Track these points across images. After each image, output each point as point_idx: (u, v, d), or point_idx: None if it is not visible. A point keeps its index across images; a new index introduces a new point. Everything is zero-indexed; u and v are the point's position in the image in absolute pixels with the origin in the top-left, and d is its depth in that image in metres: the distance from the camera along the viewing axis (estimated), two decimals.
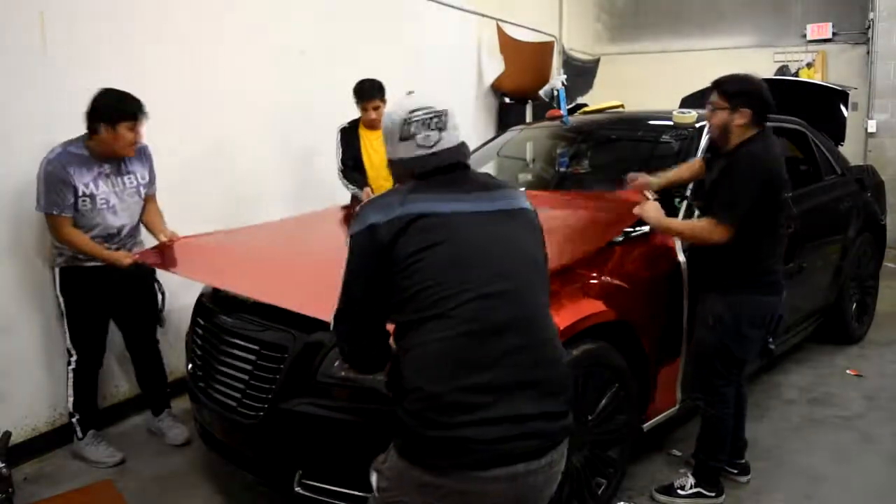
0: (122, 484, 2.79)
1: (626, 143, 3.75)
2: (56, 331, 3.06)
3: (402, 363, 1.45)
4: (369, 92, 3.78)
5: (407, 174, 1.53)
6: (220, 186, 3.81)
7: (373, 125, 3.83)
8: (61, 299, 2.88)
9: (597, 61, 8.13)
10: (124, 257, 2.80)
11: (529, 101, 6.69)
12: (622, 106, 4.23)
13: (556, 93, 3.95)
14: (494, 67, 6.24)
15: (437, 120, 1.52)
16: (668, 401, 2.79)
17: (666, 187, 2.80)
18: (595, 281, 2.46)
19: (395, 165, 1.57)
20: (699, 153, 2.96)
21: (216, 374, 2.51)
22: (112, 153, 2.77)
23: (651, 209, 2.53)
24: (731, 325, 2.46)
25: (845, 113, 4.45)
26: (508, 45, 6.29)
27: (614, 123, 3.90)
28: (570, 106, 3.86)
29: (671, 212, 2.78)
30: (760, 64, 7.31)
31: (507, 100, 6.51)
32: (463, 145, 1.59)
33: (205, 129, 3.69)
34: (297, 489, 2.21)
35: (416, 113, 1.51)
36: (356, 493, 2.10)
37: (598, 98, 6.76)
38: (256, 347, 2.36)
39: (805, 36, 7.68)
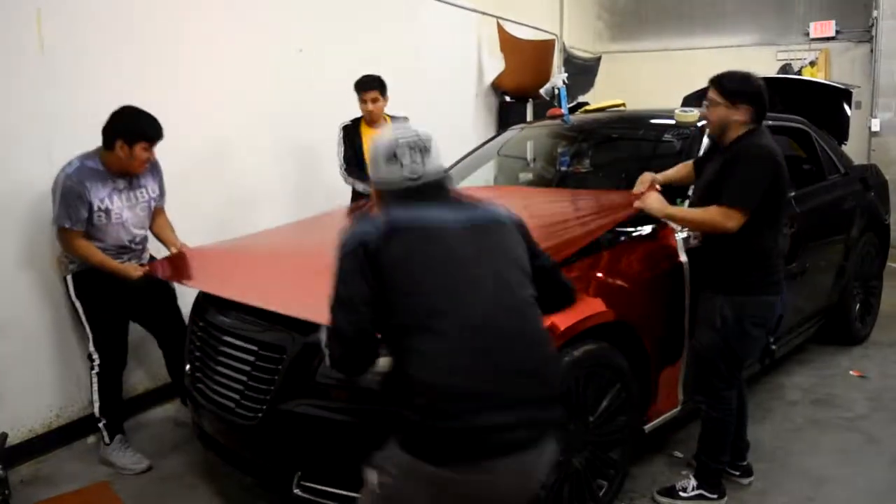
0: (119, 485, 2.78)
1: (628, 142, 3.73)
2: (56, 334, 3.06)
3: (405, 363, 1.51)
4: (368, 83, 3.79)
5: (390, 196, 1.63)
6: (219, 186, 3.79)
7: (372, 119, 3.82)
8: (78, 304, 2.87)
9: (598, 59, 8.11)
10: (133, 270, 2.81)
11: (530, 99, 6.67)
12: (623, 105, 4.21)
13: (556, 91, 3.92)
14: (495, 66, 6.22)
15: (422, 145, 1.63)
16: (670, 402, 2.77)
17: (664, 184, 2.79)
18: (596, 281, 2.44)
19: (378, 186, 1.67)
20: (701, 152, 2.93)
21: (214, 374, 2.49)
22: (125, 169, 2.80)
23: (654, 199, 2.53)
24: (735, 325, 2.44)
25: (848, 112, 4.43)
26: (509, 44, 6.27)
27: (615, 122, 3.88)
28: (570, 105, 3.84)
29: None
30: (763, 62, 7.29)
31: (507, 98, 6.49)
32: (446, 172, 1.70)
33: (203, 128, 3.67)
34: (296, 491, 2.20)
35: (402, 138, 1.63)
36: (355, 494, 2.08)
37: (599, 97, 6.74)
38: (255, 348, 2.34)
39: (808, 34, 7.64)
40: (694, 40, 8.21)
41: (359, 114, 3.89)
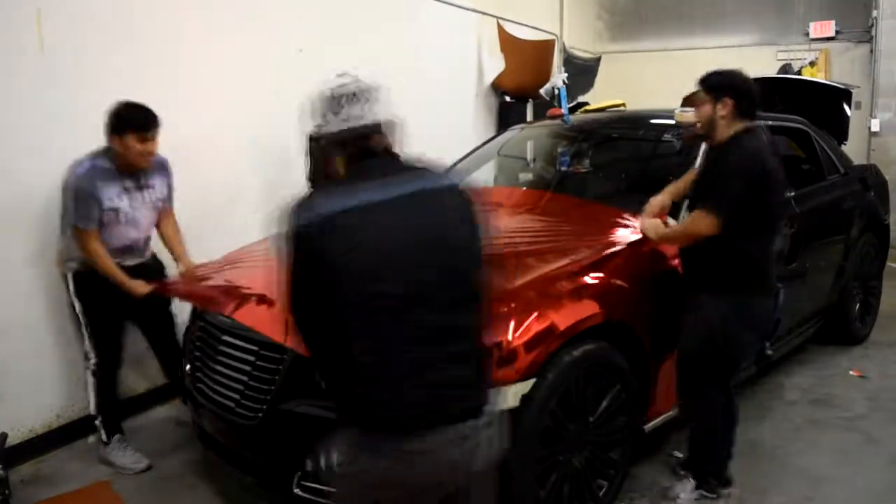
0: (119, 485, 2.79)
1: (628, 142, 3.73)
2: (56, 334, 3.06)
3: (351, 363, 1.45)
4: None
5: (335, 152, 1.52)
6: (219, 186, 3.79)
7: None
8: (77, 303, 2.87)
9: (598, 59, 8.11)
10: (140, 287, 2.80)
11: (530, 99, 6.67)
12: (623, 105, 4.21)
13: (556, 91, 3.94)
14: (495, 66, 6.22)
15: (367, 94, 1.51)
16: (670, 402, 2.76)
17: (676, 199, 2.76)
18: (594, 281, 2.44)
19: (319, 142, 1.55)
20: (700, 152, 2.93)
21: (214, 374, 2.49)
22: (128, 165, 2.79)
23: (648, 226, 2.59)
24: (721, 327, 2.40)
25: (848, 112, 4.43)
26: (509, 44, 6.26)
27: (616, 122, 3.89)
28: (570, 105, 3.85)
29: (674, 212, 2.76)
30: (763, 62, 7.28)
31: (507, 98, 6.48)
32: (391, 123, 1.55)
33: (203, 128, 3.67)
34: (296, 491, 2.20)
35: (344, 87, 1.52)
36: None
37: (599, 97, 6.74)
38: (255, 348, 2.35)
39: (808, 34, 7.63)
40: (694, 40, 8.21)
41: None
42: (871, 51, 7.12)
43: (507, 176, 4.06)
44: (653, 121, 3.67)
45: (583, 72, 7.68)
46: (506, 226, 2.96)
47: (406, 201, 1.46)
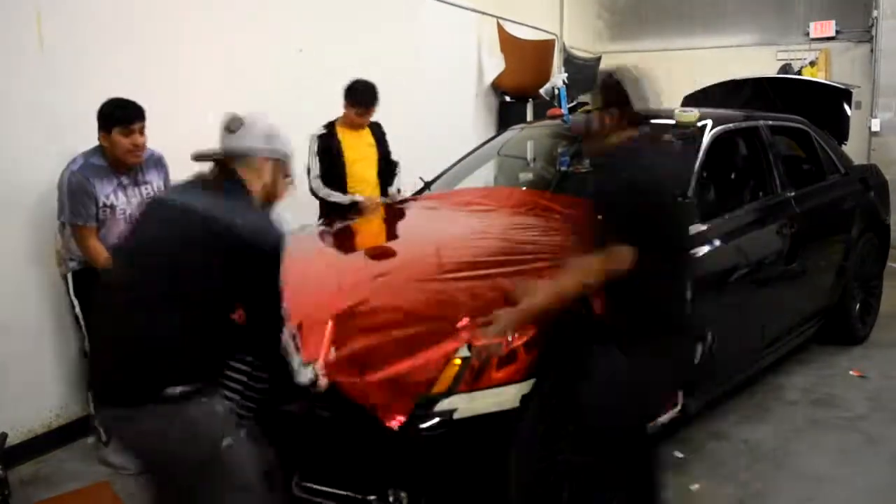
0: (119, 485, 2.78)
1: None
2: (55, 334, 3.06)
3: None
4: (372, 97, 3.68)
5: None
6: None
7: (357, 124, 3.74)
8: (76, 302, 2.87)
9: (598, 59, 8.11)
10: None
11: (530, 99, 6.67)
12: None
13: (556, 91, 3.92)
14: (495, 66, 6.22)
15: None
16: (670, 402, 2.75)
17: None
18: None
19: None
20: (700, 154, 2.89)
21: None
22: (120, 161, 2.78)
23: (509, 319, 1.88)
24: (622, 381, 1.99)
25: (848, 112, 4.43)
26: (509, 43, 6.26)
27: None
28: (570, 104, 3.84)
29: None
30: (763, 62, 7.27)
31: (507, 98, 6.49)
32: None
33: (203, 128, 3.65)
34: (295, 491, 2.19)
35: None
36: (354, 494, 2.09)
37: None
38: None
39: (808, 34, 7.63)
40: (694, 40, 8.21)
41: (331, 118, 3.74)
42: (872, 51, 7.12)
43: (507, 176, 4.06)
44: (653, 121, 3.66)
45: (583, 71, 7.68)
46: (506, 226, 2.96)
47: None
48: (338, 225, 3.37)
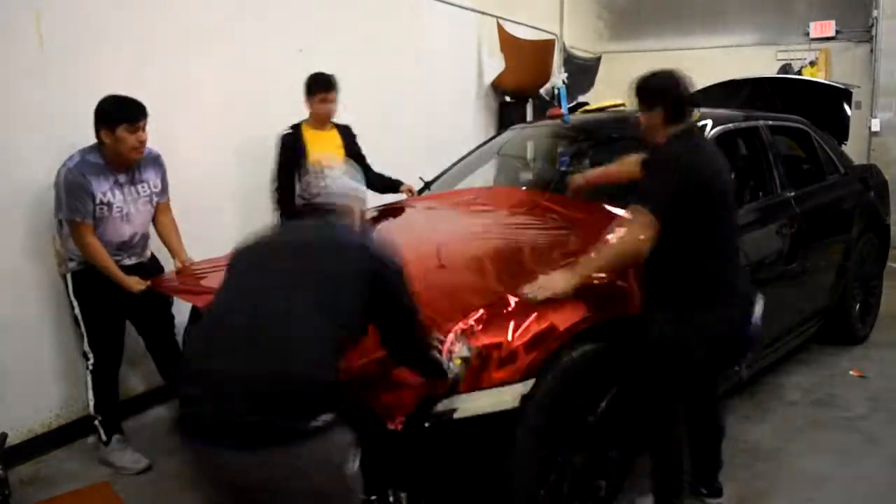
0: (119, 485, 2.78)
1: (628, 142, 3.71)
2: (55, 334, 3.06)
3: None
4: (331, 83, 3.61)
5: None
6: (219, 186, 3.79)
7: (324, 120, 3.66)
8: (76, 303, 2.87)
9: (598, 59, 8.10)
10: (136, 284, 2.80)
11: (530, 99, 6.67)
12: (624, 104, 4.20)
13: (556, 91, 3.94)
14: (495, 65, 6.22)
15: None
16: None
17: (596, 184, 2.70)
18: (595, 281, 2.43)
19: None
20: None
21: None
22: (121, 159, 2.78)
23: (548, 288, 2.18)
24: (665, 344, 2.24)
25: (848, 111, 4.43)
26: (509, 43, 6.26)
27: (615, 122, 3.88)
28: (570, 104, 3.85)
29: None
30: (763, 62, 7.28)
31: (507, 98, 6.49)
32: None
33: (202, 128, 3.67)
34: None
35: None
36: None
37: (599, 96, 6.73)
38: None
39: (808, 34, 7.63)
40: (694, 40, 8.21)
41: (297, 120, 3.68)
42: (872, 50, 7.12)
43: (507, 176, 4.06)
44: None
45: (583, 71, 7.68)
46: (506, 226, 2.96)
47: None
48: None
